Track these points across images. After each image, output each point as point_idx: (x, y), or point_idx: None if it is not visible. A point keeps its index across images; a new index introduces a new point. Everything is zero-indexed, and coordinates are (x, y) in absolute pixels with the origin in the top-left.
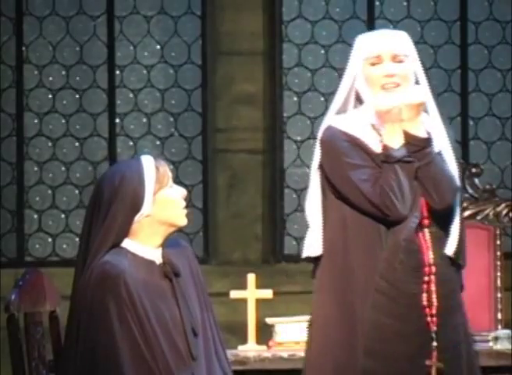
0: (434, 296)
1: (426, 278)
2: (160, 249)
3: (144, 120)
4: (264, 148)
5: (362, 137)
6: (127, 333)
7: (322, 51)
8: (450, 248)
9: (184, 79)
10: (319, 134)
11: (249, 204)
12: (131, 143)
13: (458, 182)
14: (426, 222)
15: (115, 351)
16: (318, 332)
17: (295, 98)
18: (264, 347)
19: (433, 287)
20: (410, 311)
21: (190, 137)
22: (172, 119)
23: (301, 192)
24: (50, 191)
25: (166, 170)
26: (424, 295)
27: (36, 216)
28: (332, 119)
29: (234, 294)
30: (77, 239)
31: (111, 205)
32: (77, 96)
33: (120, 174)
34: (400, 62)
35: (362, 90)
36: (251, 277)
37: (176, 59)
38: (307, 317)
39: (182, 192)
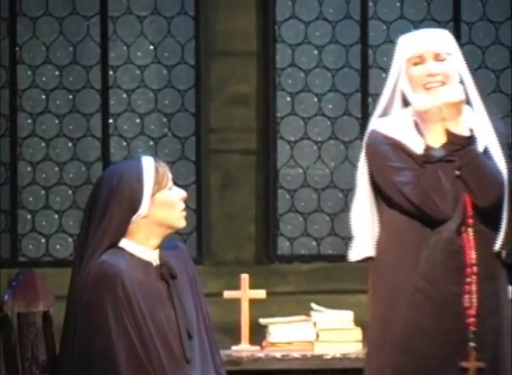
0: (474, 296)
1: (468, 279)
2: (157, 250)
3: (138, 121)
4: (257, 149)
5: (404, 139)
6: (123, 333)
7: (316, 52)
8: (497, 246)
9: (177, 79)
10: (365, 138)
11: (242, 204)
12: (124, 143)
13: (505, 178)
14: (470, 221)
15: (111, 350)
16: (369, 332)
17: (288, 99)
18: (257, 347)
19: (474, 288)
20: (447, 311)
21: (184, 138)
22: (165, 120)
23: (294, 193)
24: (43, 192)
25: (166, 172)
26: (466, 296)
27: (29, 217)
28: (375, 123)
29: (227, 294)
30: (70, 239)
31: (108, 205)
32: (70, 96)
33: (118, 174)
34: (443, 60)
35: (406, 90)
36: (245, 278)
37: (170, 60)
38: (301, 317)
39: (181, 194)
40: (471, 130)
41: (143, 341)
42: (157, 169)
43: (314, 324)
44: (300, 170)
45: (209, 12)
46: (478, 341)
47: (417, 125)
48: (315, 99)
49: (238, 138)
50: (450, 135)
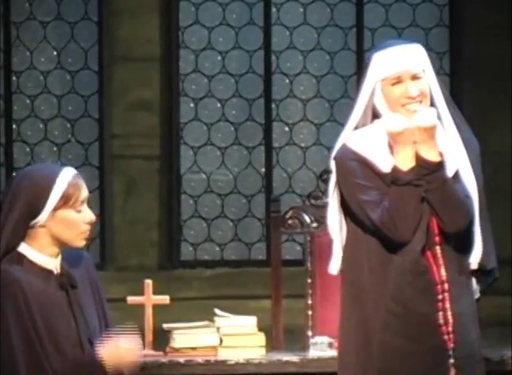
0: (449, 313)
1: (440, 296)
2: (58, 259)
3: (41, 126)
4: (160, 154)
5: (373, 156)
6: (24, 338)
7: (219, 58)
8: (474, 262)
9: (81, 85)
10: (334, 152)
11: (145, 210)
12: (28, 149)
13: (474, 203)
14: (437, 239)
15: (12, 356)
16: (343, 357)
17: (192, 104)
18: (161, 353)
19: (447, 305)
20: (422, 331)
21: (87, 143)
22: (68, 125)
23: (198, 198)
24: None
25: (79, 192)
26: (440, 314)
27: None
28: (346, 137)
29: (131, 300)
30: None
31: (12, 205)
32: None
33: (30, 176)
34: (419, 78)
35: (381, 107)
36: (148, 283)
37: (73, 65)
38: (204, 323)
39: (88, 217)
40: (442, 155)
41: (32, 347)
42: (69, 185)
43: (218, 329)
44: (204, 176)
45: (112, 18)
46: (456, 357)
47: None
48: (218, 105)
49: (141, 144)
50: (419, 159)
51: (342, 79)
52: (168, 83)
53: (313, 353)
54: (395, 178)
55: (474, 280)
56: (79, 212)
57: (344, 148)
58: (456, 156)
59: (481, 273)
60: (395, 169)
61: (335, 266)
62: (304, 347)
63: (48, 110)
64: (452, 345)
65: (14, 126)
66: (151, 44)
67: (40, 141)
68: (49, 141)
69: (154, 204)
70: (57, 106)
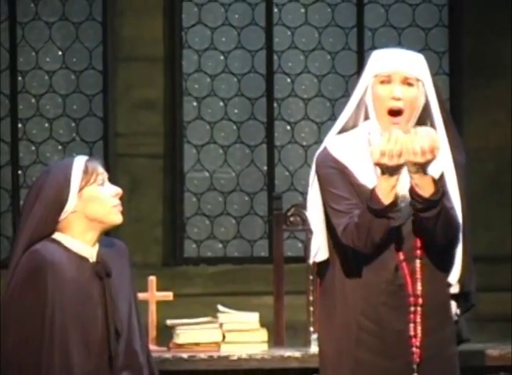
0: (419, 328)
1: (412, 308)
2: (95, 247)
3: (46, 125)
4: (164, 153)
5: (352, 165)
6: (38, 325)
7: (222, 57)
8: (453, 280)
9: (85, 84)
10: (316, 153)
11: (149, 208)
12: (33, 148)
13: (459, 220)
14: (418, 253)
15: (23, 340)
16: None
17: (195, 103)
18: (164, 348)
19: (419, 319)
20: (397, 347)
21: (92, 142)
22: (73, 124)
23: (201, 196)
24: None
25: (96, 168)
26: (411, 326)
27: None
28: (330, 140)
29: None
30: None
31: (35, 202)
32: None
33: (47, 171)
34: (410, 85)
35: (369, 106)
36: (152, 280)
37: (78, 65)
38: (207, 319)
39: (114, 190)
40: (435, 181)
41: (52, 339)
42: (86, 166)
43: (221, 325)
44: (207, 174)
45: (116, 19)
46: (421, 371)
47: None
48: (221, 104)
49: (145, 142)
50: (415, 195)
51: (343, 78)
52: (172, 83)
53: (314, 349)
54: (370, 206)
55: (454, 304)
56: (102, 185)
57: (326, 153)
58: (446, 176)
59: (461, 296)
60: (373, 197)
61: (318, 255)
62: (306, 342)
63: (53, 109)
64: (417, 360)
65: (20, 125)
66: (155, 44)
67: (45, 139)
68: (54, 139)
69: (158, 202)
70: (62, 105)
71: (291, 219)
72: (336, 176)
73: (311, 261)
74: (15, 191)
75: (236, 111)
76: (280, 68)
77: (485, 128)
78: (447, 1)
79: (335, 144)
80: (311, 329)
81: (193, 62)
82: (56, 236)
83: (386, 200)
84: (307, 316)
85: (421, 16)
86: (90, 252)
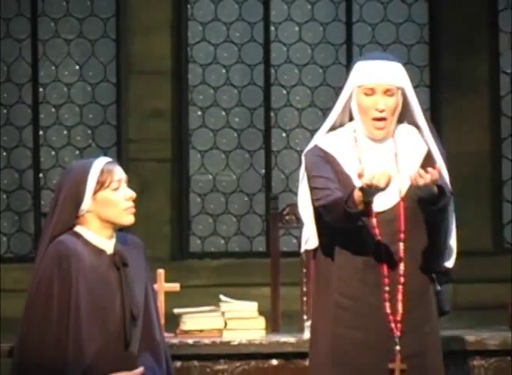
0: (400, 305)
1: (387, 288)
2: (113, 241)
3: (65, 132)
4: (171, 157)
5: (340, 157)
6: (63, 312)
7: (224, 71)
8: (450, 263)
9: (100, 95)
10: (304, 151)
11: (158, 207)
12: (53, 153)
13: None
14: (402, 236)
15: (48, 320)
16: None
17: (199, 113)
18: (172, 334)
19: (400, 297)
20: (372, 321)
21: (106, 148)
22: (89, 132)
23: (205, 196)
24: None
25: (111, 173)
26: (387, 304)
27: None
28: (319, 139)
29: None
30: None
31: (57, 199)
32: (5, 111)
33: (68, 171)
34: (391, 95)
35: (354, 111)
36: (160, 273)
37: (94, 78)
38: (211, 308)
39: (128, 194)
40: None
41: (78, 321)
42: (102, 170)
43: (223, 314)
44: (210, 177)
45: (128, 36)
46: (403, 345)
47: (355, 142)
48: (223, 113)
49: (154, 148)
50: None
51: (333, 90)
52: (179, 94)
53: (308, 335)
54: (348, 205)
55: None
56: (116, 190)
57: (315, 147)
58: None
59: (440, 272)
60: (351, 200)
61: (308, 243)
62: (300, 329)
63: (71, 118)
64: (398, 334)
65: (41, 132)
66: (163, 59)
67: (64, 145)
68: (72, 145)
69: (166, 202)
70: (79, 114)
71: (286, 217)
72: (321, 162)
73: (302, 249)
74: (36, 192)
75: (236, 119)
76: (277, 80)
77: (462, 135)
78: (428, 21)
79: (324, 141)
80: (305, 317)
81: (198, 75)
82: (77, 229)
83: (361, 206)
84: (301, 305)
85: (404, 34)
86: (108, 245)
